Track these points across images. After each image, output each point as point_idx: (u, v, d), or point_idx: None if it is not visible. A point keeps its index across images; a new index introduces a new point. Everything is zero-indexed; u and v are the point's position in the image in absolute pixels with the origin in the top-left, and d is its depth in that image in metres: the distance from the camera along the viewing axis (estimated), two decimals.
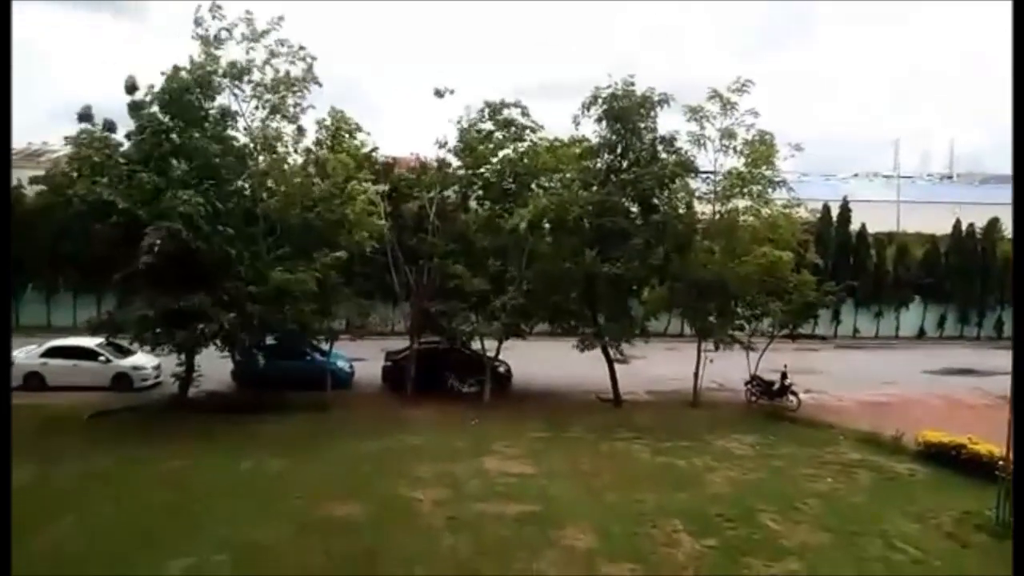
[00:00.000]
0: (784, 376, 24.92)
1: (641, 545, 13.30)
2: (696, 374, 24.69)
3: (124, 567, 11.88)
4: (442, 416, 22.36)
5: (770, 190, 24.05)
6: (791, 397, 24.77)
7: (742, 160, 24.01)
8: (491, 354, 25.15)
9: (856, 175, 66.24)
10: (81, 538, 13.05)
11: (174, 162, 20.54)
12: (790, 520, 14.63)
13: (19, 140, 56.95)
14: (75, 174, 20.74)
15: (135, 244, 19.17)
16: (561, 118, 35.24)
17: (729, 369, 25.75)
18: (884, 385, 28.19)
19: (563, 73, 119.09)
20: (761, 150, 23.61)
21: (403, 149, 30.57)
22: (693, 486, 16.65)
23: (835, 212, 42.04)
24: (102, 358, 24.90)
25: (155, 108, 20.97)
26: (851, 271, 39.47)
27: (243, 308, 20.36)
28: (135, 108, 20.95)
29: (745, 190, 24.07)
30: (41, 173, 25.84)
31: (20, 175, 41.12)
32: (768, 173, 23.82)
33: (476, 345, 25.13)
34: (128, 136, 21.26)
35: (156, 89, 20.91)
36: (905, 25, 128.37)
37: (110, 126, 21.40)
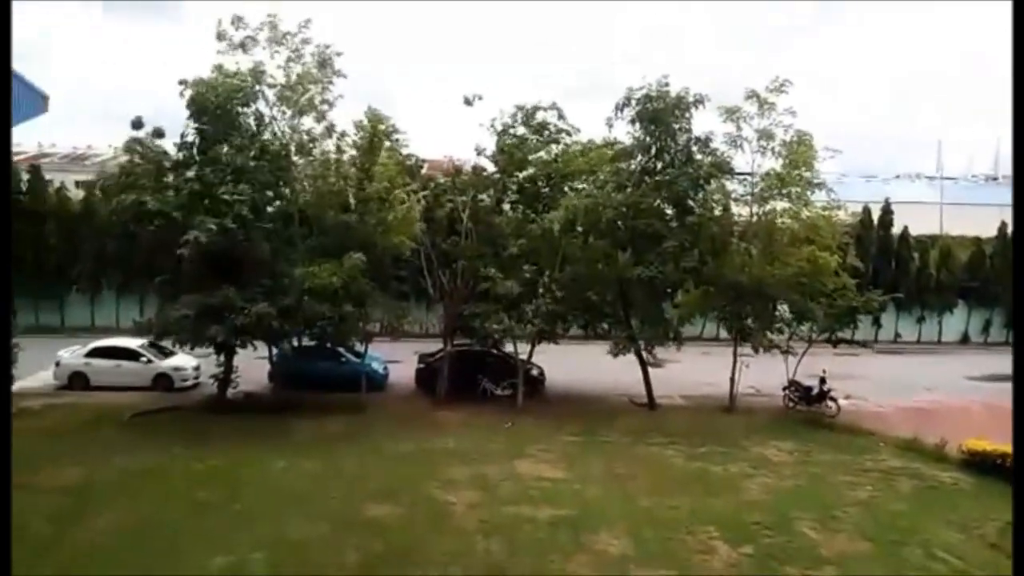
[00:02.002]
0: (823, 381, 24.50)
1: (675, 551, 13.18)
2: (732, 379, 24.38)
3: (165, 562, 12.12)
4: (475, 419, 22.40)
5: (809, 192, 23.65)
6: (830, 403, 24.33)
7: (780, 161, 23.65)
8: (524, 357, 25.14)
9: (898, 176, 64.89)
10: (123, 533, 13.33)
11: (209, 170, 20.89)
12: (829, 528, 14.38)
13: (64, 144, 58.69)
14: (123, 177, 21.31)
15: (175, 247, 19.71)
16: (593, 120, 35.22)
17: (766, 374, 25.39)
18: (926, 391, 27.56)
19: (594, 75, 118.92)
20: (800, 151, 23.21)
21: (434, 151, 30.84)
22: (729, 492, 16.43)
23: (876, 214, 41.17)
24: (144, 359, 25.44)
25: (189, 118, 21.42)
26: (893, 274, 38.70)
27: (277, 303, 20.55)
28: (192, 110, 21.39)
29: (783, 192, 23.67)
30: (86, 177, 26.55)
31: (66, 178, 42.41)
32: (807, 174, 23.40)
33: (509, 348, 25.14)
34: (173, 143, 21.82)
35: (187, 98, 21.31)
36: (950, 21, 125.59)
37: (159, 132, 21.94)
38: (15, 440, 18.90)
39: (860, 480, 17.48)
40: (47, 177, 38.75)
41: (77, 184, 40.55)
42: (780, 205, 24.09)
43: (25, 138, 53.46)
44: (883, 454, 19.75)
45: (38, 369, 25.41)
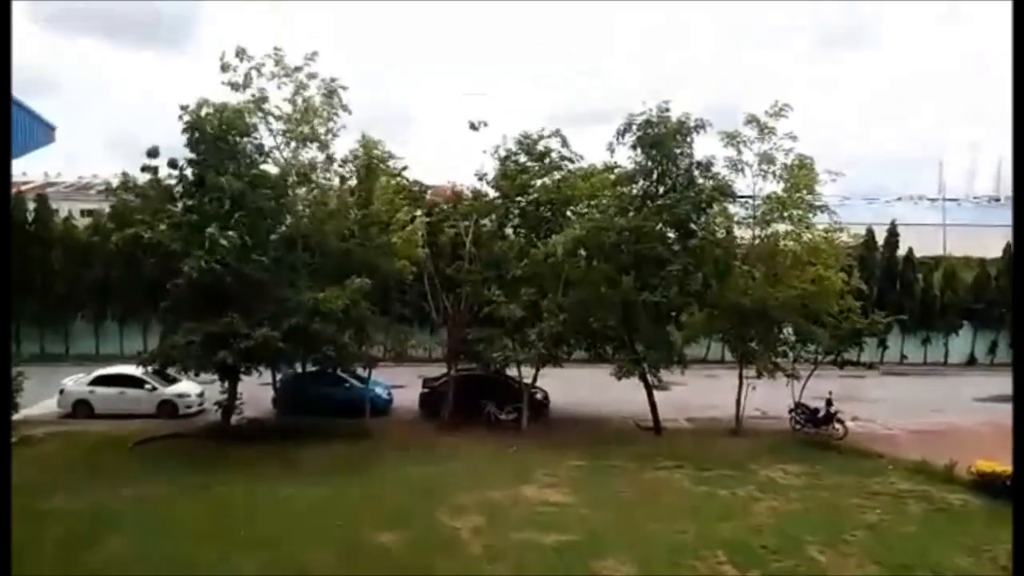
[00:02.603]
0: (830, 403, 24.34)
1: None
2: (738, 401, 24.27)
3: None
4: (480, 444, 22.28)
5: (811, 214, 23.73)
6: (837, 425, 24.15)
7: (781, 184, 23.77)
8: (528, 381, 25.06)
9: (900, 198, 65.06)
10: (126, 561, 13.24)
11: (207, 199, 20.97)
12: (838, 552, 14.22)
13: (70, 173, 59.27)
14: (120, 210, 21.46)
15: (176, 276, 19.92)
16: (593, 144, 35.46)
17: (772, 397, 25.26)
18: (933, 413, 27.32)
19: (593, 100, 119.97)
20: (801, 174, 23.35)
21: (436, 177, 31.08)
22: (736, 517, 16.28)
23: (880, 236, 41.20)
24: (148, 386, 25.42)
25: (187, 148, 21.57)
26: (897, 296, 38.59)
27: (280, 327, 20.53)
28: (189, 138, 21.57)
29: (785, 214, 23.77)
30: (91, 206, 26.78)
31: (72, 207, 42.80)
32: (808, 197, 23.51)
33: (513, 372, 25.08)
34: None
35: (184, 127, 21.46)
36: (951, 38, 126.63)
37: (172, 163, 22.06)
38: (19, 469, 18.91)
39: (869, 503, 17.31)
40: (53, 206, 39.10)
41: (83, 213, 40.97)
42: (782, 228, 24.16)
43: (32, 168, 54.02)
44: (892, 477, 19.56)
45: (43, 397, 25.40)
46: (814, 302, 23.33)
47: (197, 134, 21.19)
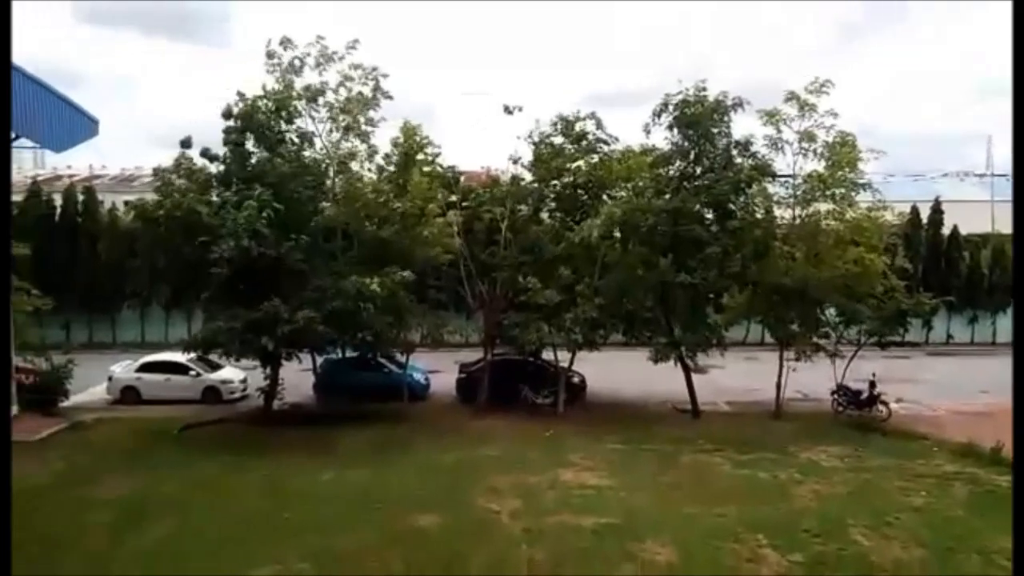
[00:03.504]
0: (873, 385, 23.93)
1: (723, 560, 12.92)
2: (778, 384, 23.98)
3: (213, 572, 12.32)
4: (517, 427, 22.38)
5: (853, 193, 23.20)
6: (881, 407, 23.76)
7: (822, 163, 23.28)
8: (564, 365, 25.05)
9: (946, 175, 63.16)
10: (174, 543, 13.59)
11: (247, 186, 21.28)
12: (882, 535, 13.96)
13: (114, 165, 60.66)
14: (165, 199, 21.91)
15: (217, 263, 20.23)
16: (628, 125, 35.11)
17: (813, 379, 24.89)
18: (980, 394, 26.64)
19: (626, 81, 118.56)
20: (843, 152, 22.82)
21: (471, 163, 31.06)
22: (777, 500, 16.09)
23: (925, 213, 40.13)
24: (193, 372, 26.04)
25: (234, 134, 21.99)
26: (943, 275, 37.64)
27: (320, 312, 20.84)
28: (227, 132, 21.99)
29: (827, 193, 23.28)
30: (135, 198, 27.41)
31: (116, 199, 43.82)
32: (851, 175, 23.00)
33: (549, 356, 25.08)
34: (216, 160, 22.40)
35: (234, 115, 21.91)
36: (998, 9, 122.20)
37: (206, 153, 22.50)
38: (72, 453, 19.64)
39: (914, 485, 16.96)
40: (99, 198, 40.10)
41: (126, 204, 41.86)
42: (823, 207, 23.69)
43: (77, 160, 55.40)
44: (937, 458, 19.17)
45: (91, 384, 26.19)
46: (857, 282, 22.88)
47: (241, 121, 21.53)
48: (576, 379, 26.18)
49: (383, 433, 21.58)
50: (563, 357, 24.99)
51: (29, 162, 53.61)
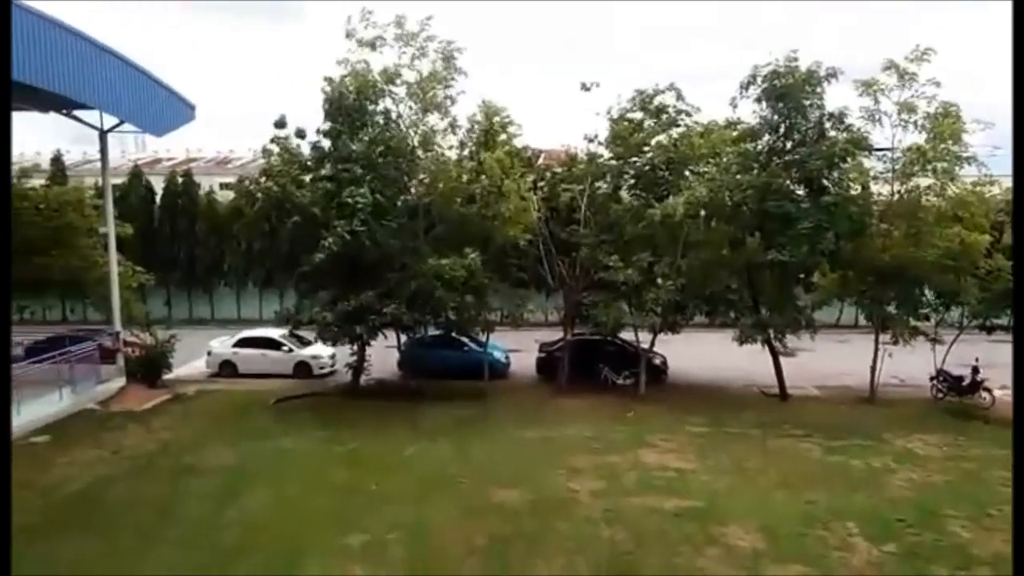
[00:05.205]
0: (976, 371, 22.70)
1: (811, 547, 12.59)
2: (873, 368, 23.01)
3: (308, 538, 12.86)
4: (597, 407, 22.32)
5: (957, 167, 21.80)
6: (984, 394, 22.53)
7: (924, 135, 21.97)
8: (646, 346, 24.75)
9: None
10: (272, 511, 14.27)
11: (343, 165, 21.84)
12: (982, 527, 13.31)
13: (209, 149, 63.20)
14: (262, 179, 22.76)
15: (313, 241, 20.97)
16: (712, 103, 33.91)
17: (911, 363, 23.75)
18: None
19: (706, 59, 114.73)
20: (946, 123, 21.43)
21: (550, 141, 30.80)
22: (870, 488, 15.53)
23: None
24: (285, 348, 27.10)
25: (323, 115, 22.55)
26: None
27: (404, 297, 21.51)
28: (327, 108, 22.57)
29: (928, 167, 21.93)
30: (230, 180, 28.56)
31: (211, 181, 45.83)
32: (954, 148, 21.57)
33: (630, 336, 24.82)
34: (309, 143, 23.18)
35: (324, 97, 22.42)
36: None
37: (300, 133, 23.24)
38: (176, 424, 20.78)
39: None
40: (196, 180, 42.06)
41: (222, 186, 43.76)
42: (924, 182, 22.38)
43: (174, 145, 58.02)
44: None
45: (193, 358, 27.64)
46: (959, 261, 21.59)
47: (334, 102, 22.08)
48: (657, 360, 25.85)
49: (465, 410, 21.93)
50: (644, 338, 24.66)
51: (131, 146, 56.41)
